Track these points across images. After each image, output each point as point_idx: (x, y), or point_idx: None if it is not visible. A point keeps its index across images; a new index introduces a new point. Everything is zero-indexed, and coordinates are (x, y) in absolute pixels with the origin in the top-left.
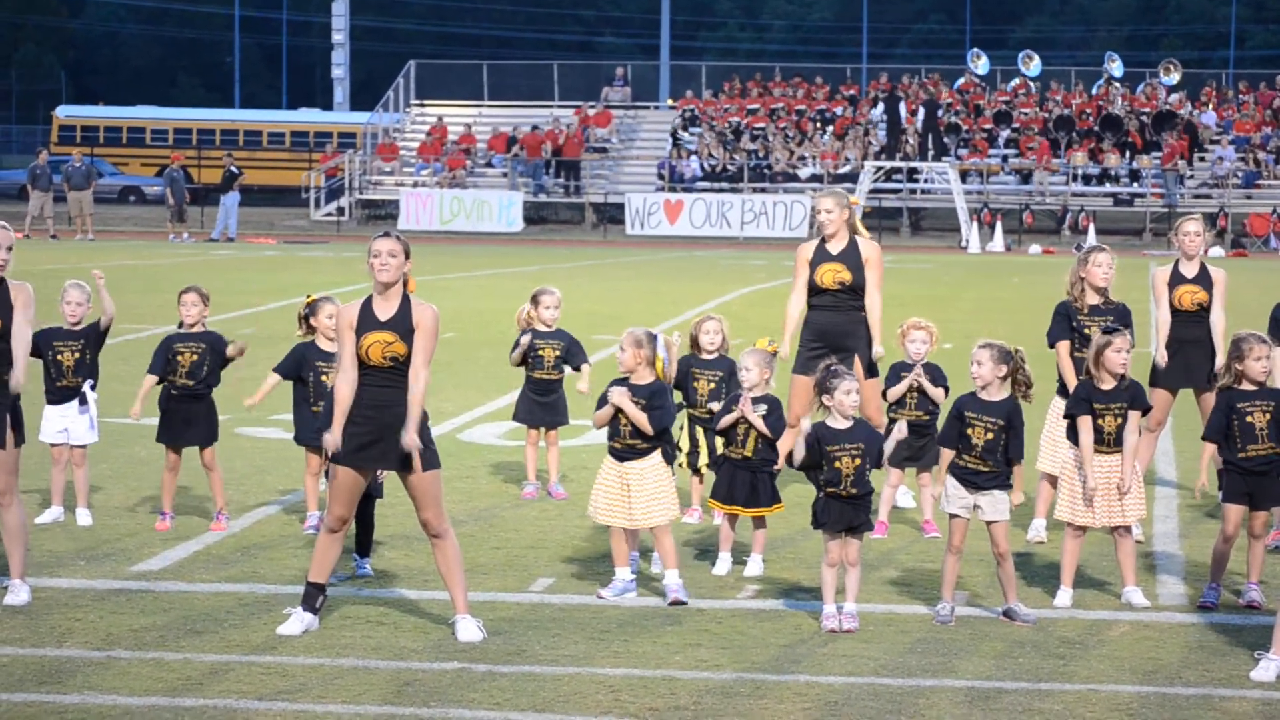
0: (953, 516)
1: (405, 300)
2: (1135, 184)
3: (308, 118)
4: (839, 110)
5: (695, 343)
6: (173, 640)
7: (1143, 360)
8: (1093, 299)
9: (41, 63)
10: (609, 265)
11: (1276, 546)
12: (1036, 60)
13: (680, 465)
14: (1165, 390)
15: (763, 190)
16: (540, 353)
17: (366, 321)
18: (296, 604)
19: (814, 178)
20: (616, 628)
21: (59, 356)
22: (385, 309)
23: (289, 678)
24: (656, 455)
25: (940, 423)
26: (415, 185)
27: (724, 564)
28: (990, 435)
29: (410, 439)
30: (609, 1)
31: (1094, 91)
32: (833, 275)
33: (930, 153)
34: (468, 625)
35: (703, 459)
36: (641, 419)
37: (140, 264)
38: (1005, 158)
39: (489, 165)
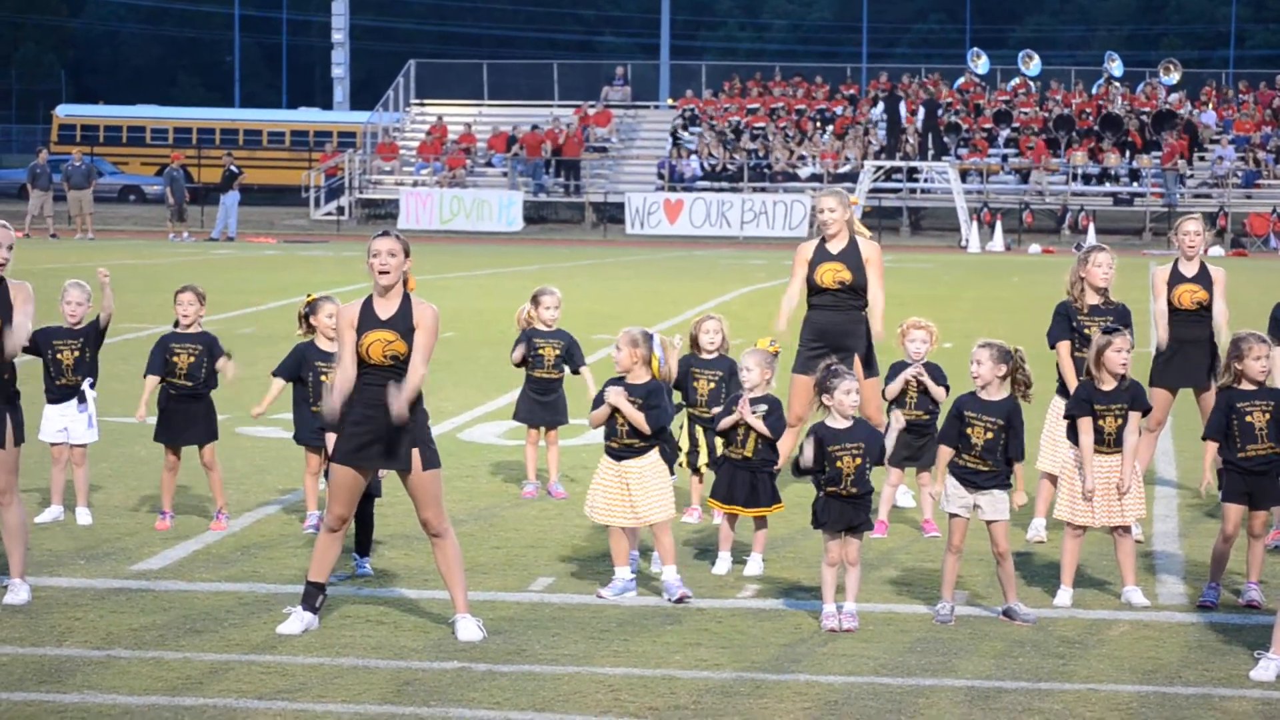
0: (952, 516)
1: (406, 299)
2: (1135, 183)
3: (308, 117)
4: (839, 110)
5: (695, 342)
6: (172, 639)
7: (1143, 360)
8: (1093, 299)
9: (41, 62)
10: (609, 265)
11: (1276, 546)
12: (1036, 60)
13: (680, 465)
14: (1165, 390)
15: (763, 190)
16: (540, 352)
17: (367, 321)
18: (296, 603)
19: (814, 177)
20: (616, 627)
21: (58, 355)
22: (386, 308)
23: (289, 677)
24: (654, 454)
25: (940, 422)
26: (415, 185)
27: (724, 563)
28: (990, 435)
29: (400, 408)
30: (609, 1)
31: (1094, 91)
32: (833, 275)
33: (930, 152)
34: (468, 624)
35: (702, 458)
36: (639, 418)
37: (140, 263)
38: (1005, 157)
39: (489, 165)
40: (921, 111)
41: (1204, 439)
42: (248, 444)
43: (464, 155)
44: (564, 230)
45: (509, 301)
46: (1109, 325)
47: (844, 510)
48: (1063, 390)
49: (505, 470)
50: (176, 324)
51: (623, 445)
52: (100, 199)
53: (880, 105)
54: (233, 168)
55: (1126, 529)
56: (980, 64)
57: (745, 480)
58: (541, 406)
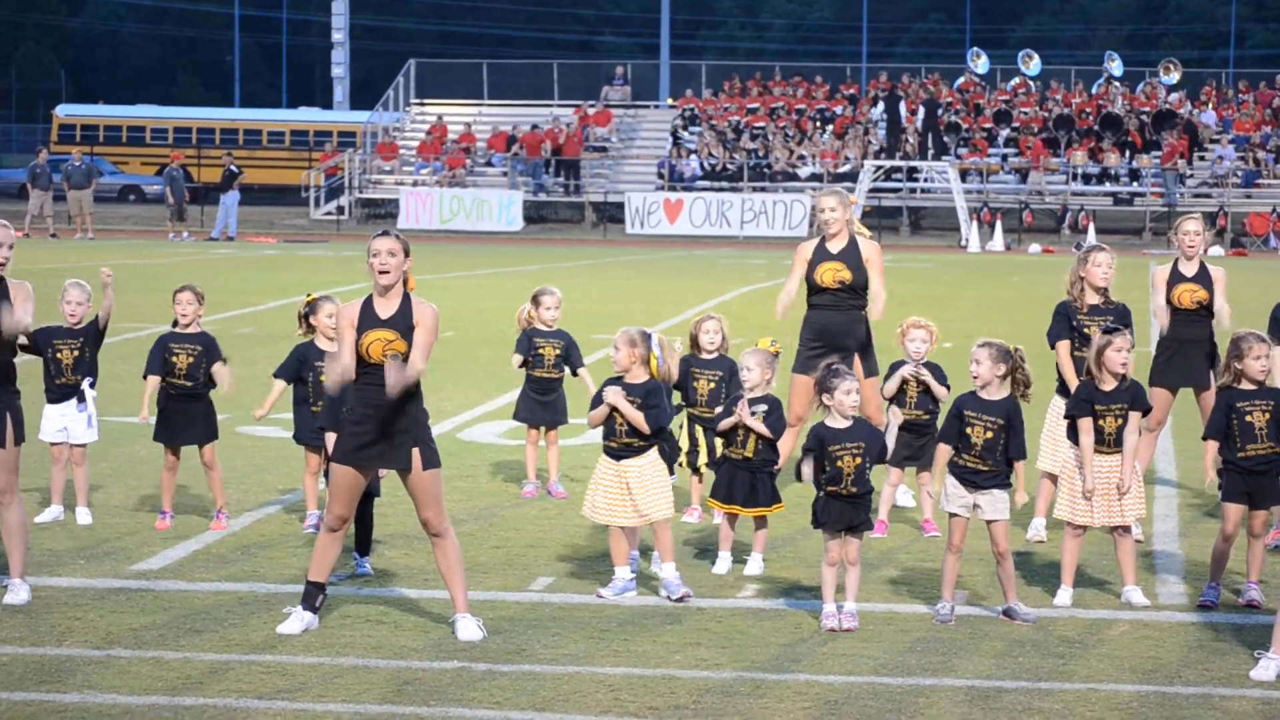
0: (952, 516)
1: (406, 299)
2: (1135, 183)
3: (307, 117)
4: (839, 109)
5: (695, 342)
6: (172, 639)
7: (1143, 360)
8: (1092, 299)
9: (41, 61)
10: (609, 264)
11: (1276, 546)
12: (1036, 59)
13: (680, 465)
14: (1165, 390)
15: (762, 189)
16: (541, 352)
17: (367, 320)
18: (296, 603)
19: (814, 177)
20: (616, 627)
21: (58, 355)
22: (386, 308)
23: (289, 676)
24: (653, 452)
25: (940, 422)
26: (415, 184)
27: (724, 563)
28: (989, 434)
29: (395, 384)
30: (609, 1)
31: (1094, 91)
32: (833, 274)
33: (930, 152)
34: (468, 624)
35: (702, 458)
36: (638, 418)
37: (140, 263)
38: (1005, 157)
39: (489, 164)
40: (921, 111)
41: (1204, 439)
42: (248, 443)
43: (464, 155)
44: (564, 230)
45: (509, 301)
46: (1109, 325)
47: (844, 510)
48: (1062, 390)
49: (505, 470)
50: (175, 324)
51: (622, 445)
52: (100, 199)
53: (880, 105)
54: (233, 167)
55: (1127, 529)
56: (980, 64)
57: (745, 480)
58: (541, 406)
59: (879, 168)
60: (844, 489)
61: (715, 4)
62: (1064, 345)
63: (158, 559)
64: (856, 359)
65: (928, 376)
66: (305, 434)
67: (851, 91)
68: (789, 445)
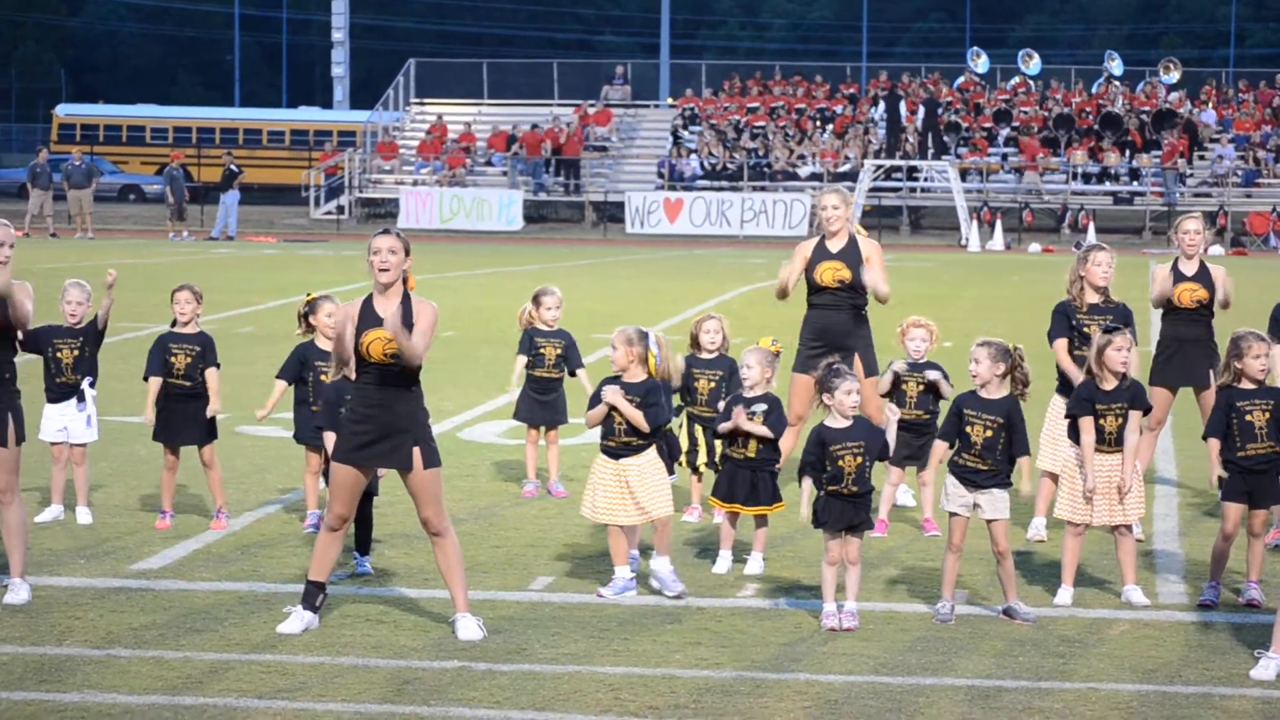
0: (952, 515)
1: (406, 298)
2: (1135, 183)
3: (307, 116)
4: (839, 109)
5: (696, 342)
6: (172, 638)
7: (1144, 359)
8: (1092, 298)
9: (41, 61)
10: (609, 264)
11: (1276, 545)
12: (1036, 59)
13: (680, 464)
14: (1165, 389)
15: (762, 189)
16: (541, 351)
17: (367, 319)
18: (296, 602)
19: (814, 176)
20: (616, 626)
21: (58, 354)
22: (386, 306)
23: (289, 676)
24: (651, 451)
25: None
26: (415, 184)
27: (724, 562)
28: (989, 433)
29: (399, 335)
30: (609, 0)
31: (1094, 90)
32: (832, 273)
33: (930, 151)
34: (468, 623)
35: (701, 457)
36: (637, 416)
37: (140, 262)
38: (1005, 156)
39: (489, 164)
40: (921, 110)
41: (1205, 438)
42: (248, 443)
43: (464, 154)
44: (564, 229)
45: (509, 301)
46: (1109, 324)
47: (845, 509)
48: (1062, 389)
49: (505, 469)
50: (174, 323)
51: (620, 443)
52: (100, 198)
53: (880, 104)
54: (233, 167)
55: (1127, 528)
56: (980, 63)
57: (746, 479)
58: (541, 406)
59: (879, 167)
60: (845, 488)
61: (715, 3)
62: (1062, 343)
63: (158, 558)
64: (856, 358)
65: (937, 377)
66: (305, 433)
67: (851, 91)
68: (789, 444)
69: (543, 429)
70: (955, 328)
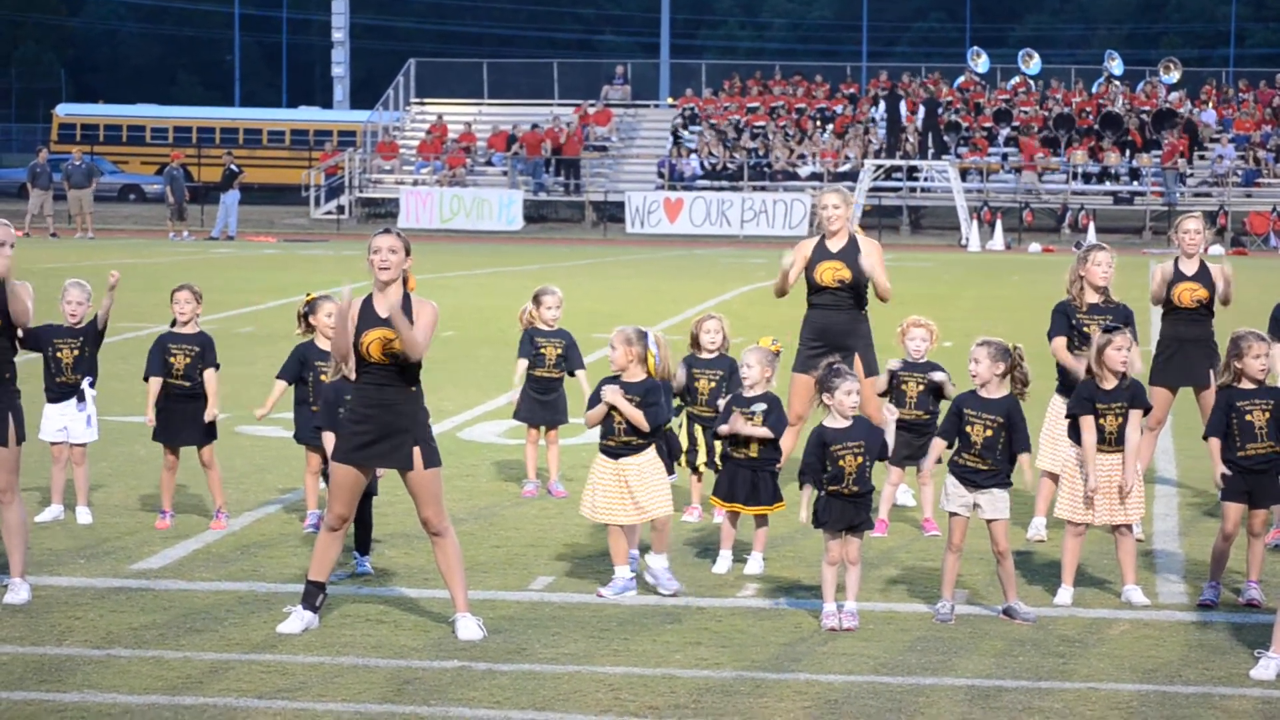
0: (952, 515)
1: (406, 298)
2: (1135, 182)
3: (307, 116)
4: (839, 108)
5: (696, 341)
6: (172, 638)
7: (1144, 359)
8: (1092, 298)
9: (41, 61)
10: (609, 264)
11: (1276, 545)
12: (1036, 58)
13: (680, 464)
14: (1165, 389)
15: (762, 189)
16: (542, 351)
17: (367, 318)
18: (296, 602)
19: (814, 176)
20: (616, 626)
21: (58, 354)
22: (386, 306)
23: (289, 676)
24: (651, 450)
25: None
26: (415, 183)
27: (725, 562)
28: (989, 432)
29: (399, 322)
30: (609, 0)
31: (1094, 90)
32: (832, 273)
33: (930, 151)
34: (468, 623)
35: (701, 457)
36: (637, 416)
37: (140, 262)
38: (1005, 156)
39: (489, 164)
40: (921, 110)
41: (1205, 438)
42: (248, 443)
43: (464, 154)
44: (564, 229)
45: (509, 300)
46: (1109, 324)
47: (845, 509)
48: (1062, 389)
49: (505, 469)
50: (174, 323)
51: (620, 443)
52: (100, 198)
53: (880, 104)
54: (233, 167)
55: (1128, 528)
56: (980, 63)
57: (747, 479)
58: (542, 405)
59: (879, 167)
60: (846, 488)
61: (715, 3)
62: (1060, 340)
63: (158, 558)
64: (856, 358)
65: (943, 378)
66: (305, 433)
67: (851, 91)
68: (789, 444)
69: (543, 429)
70: (955, 328)
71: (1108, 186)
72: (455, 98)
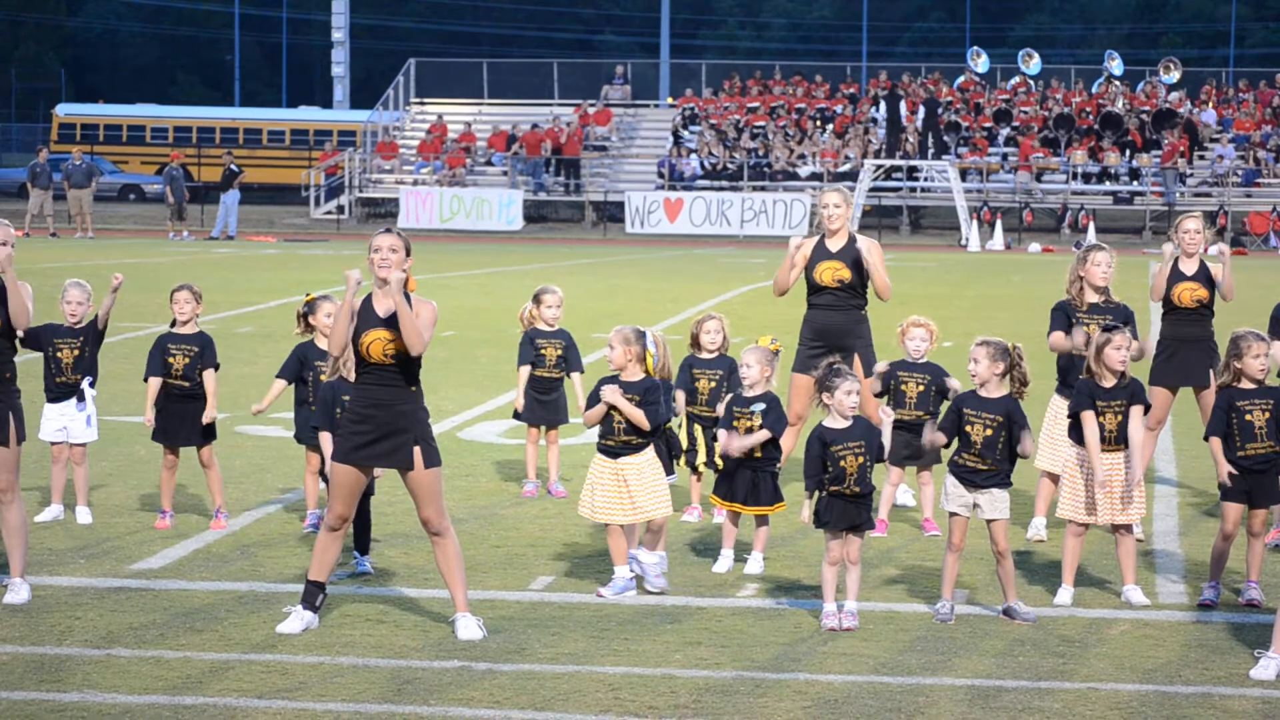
0: (952, 515)
1: (405, 298)
2: (1135, 182)
3: (307, 116)
4: (839, 108)
5: (696, 341)
6: (172, 638)
7: (1144, 359)
8: (1092, 298)
9: (41, 61)
10: (609, 264)
11: (1276, 545)
12: (1036, 58)
13: (679, 464)
14: (1165, 389)
15: (762, 189)
16: (542, 352)
17: (367, 318)
18: (296, 602)
19: (814, 176)
20: (616, 626)
21: (58, 354)
22: (385, 305)
23: (289, 676)
24: (650, 450)
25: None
26: (415, 183)
27: (726, 561)
28: (989, 431)
29: (399, 298)
30: (609, 0)
31: (1094, 90)
32: (831, 273)
33: (930, 151)
34: (468, 623)
35: (701, 457)
36: (638, 415)
37: (140, 262)
38: (1005, 156)
39: (489, 163)
40: (922, 110)
41: (1206, 438)
42: (248, 443)
43: (464, 154)
44: (564, 229)
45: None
46: (1108, 323)
47: (846, 509)
48: (1062, 389)
49: (505, 469)
50: (174, 323)
51: (620, 442)
52: (100, 198)
53: (880, 104)
54: (233, 166)
55: (1128, 527)
56: (980, 63)
57: (746, 479)
58: (542, 405)
59: (879, 167)
60: (847, 488)
61: (715, 3)
62: (1057, 334)
63: (157, 558)
64: (856, 358)
65: (955, 385)
66: (306, 433)
67: (851, 91)
68: (789, 444)
69: (543, 428)
70: (955, 327)
71: (1107, 186)
72: (455, 98)
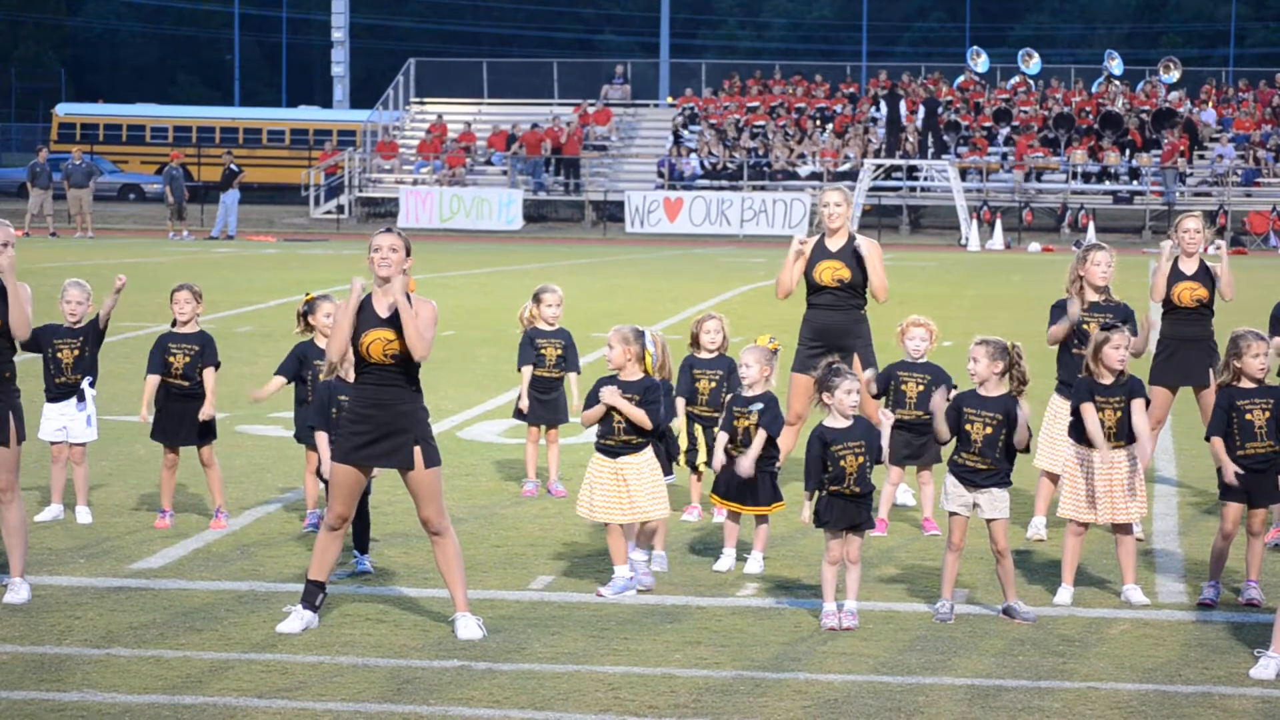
0: (952, 514)
1: (405, 297)
2: (1135, 182)
3: (307, 115)
4: (839, 108)
5: (696, 341)
6: (172, 638)
7: (1144, 359)
8: (1092, 297)
9: (41, 60)
10: (609, 263)
11: (1276, 544)
12: (1036, 58)
13: (679, 464)
14: (1164, 389)
15: (762, 188)
16: (543, 351)
17: (366, 319)
18: (296, 602)
19: (814, 176)
20: (616, 625)
21: (58, 354)
22: (385, 305)
23: (288, 675)
24: (649, 450)
25: None
26: (415, 183)
27: (727, 559)
28: (989, 430)
29: (400, 298)
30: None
31: (1094, 89)
32: (831, 273)
33: (930, 150)
34: (467, 623)
35: (701, 456)
36: (639, 415)
37: (140, 262)
38: (1005, 155)
39: (489, 163)
40: (921, 110)
41: (1208, 438)
42: (248, 442)
43: (464, 154)
44: (564, 229)
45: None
46: (1107, 322)
47: (846, 509)
48: (1061, 389)
49: (505, 468)
50: (174, 323)
51: (619, 442)
52: (100, 198)
53: (880, 104)
54: (232, 166)
55: (1128, 527)
56: (980, 62)
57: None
58: (542, 405)
59: (879, 166)
60: (847, 488)
61: (715, 3)
62: (1055, 326)
63: (157, 558)
64: (856, 358)
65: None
66: (305, 433)
67: (851, 90)
68: (789, 443)
69: (543, 428)
70: (955, 327)
71: (1107, 186)
72: (455, 97)
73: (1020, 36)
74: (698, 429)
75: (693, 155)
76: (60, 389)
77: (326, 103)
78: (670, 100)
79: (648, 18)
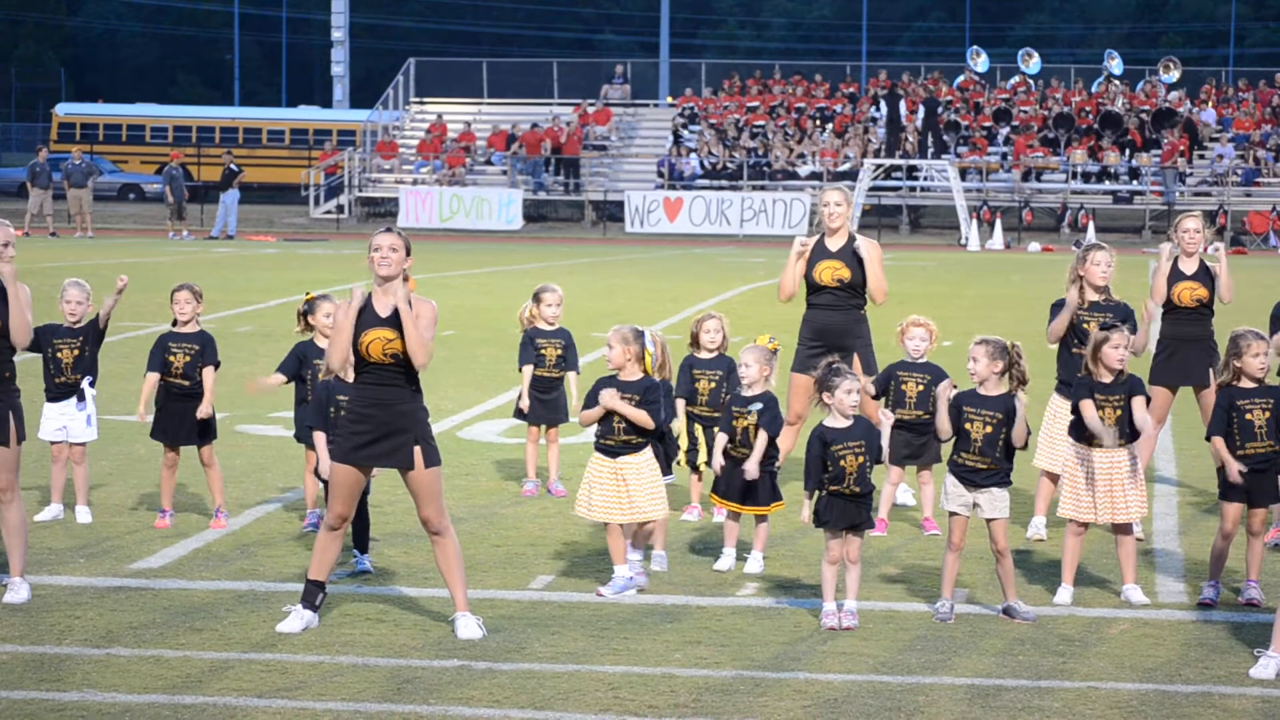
0: (952, 514)
1: (406, 304)
2: (1135, 182)
3: (307, 115)
4: (839, 108)
5: (696, 341)
6: (172, 637)
7: (1144, 359)
8: (1092, 297)
9: (41, 60)
10: (608, 263)
11: (1276, 544)
12: (1036, 58)
13: (679, 463)
14: (1164, 389)
15: (762, 188)
16: (543, 351)
17: (367, 319)
18: (296, 601)
19: (814, 175)
20: (616, 625)
21: (58, 353)
22: (385, 305)
23: (288, 675)
24: (649, 450)
25: None
26: (415, 183)
27: (728, 559)
28: (989, 429)
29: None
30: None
31: (1094, 89)
32: (831, 273)
33: (930, 150)
34: (467, 622)
35: (701, 456)
36: (640, 415)
37: (140, 261)
38: (1005, 155)
39: (488, 163)
40: (921, 110)
41: (1208, 438)
42: (248, 442)
43: (463, 153)
44: (563, 228)
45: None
46: (1107, 321)
47: (846, 509)
48: (1061, 389)
49: (505, 468)
50: (174, 323)
51: (619, 442)
52: (100, 197)
53: (880, 104)
54: (232, 166)
55: (1128, 527)
56: (980, 62)
57: (744, 478)
58: (542, 404)
59: (879, 166)
60: (847, 488)
61: (715, 3)
62: (1054, 324)
63: (157, 557)
64: (856, 358)
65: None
66: (305, 433)
67: (851, 90)
68: (788, 443)
69: (543, 428)
70: (955, 327)
71: (1107, 186)
72: (455, 97)
73: (1020, 36)
74: (698, 429)
75: (692, 155)
76: (60, 389)
77: (326, 102)
78: (670, 100)
79: (648, 17)
